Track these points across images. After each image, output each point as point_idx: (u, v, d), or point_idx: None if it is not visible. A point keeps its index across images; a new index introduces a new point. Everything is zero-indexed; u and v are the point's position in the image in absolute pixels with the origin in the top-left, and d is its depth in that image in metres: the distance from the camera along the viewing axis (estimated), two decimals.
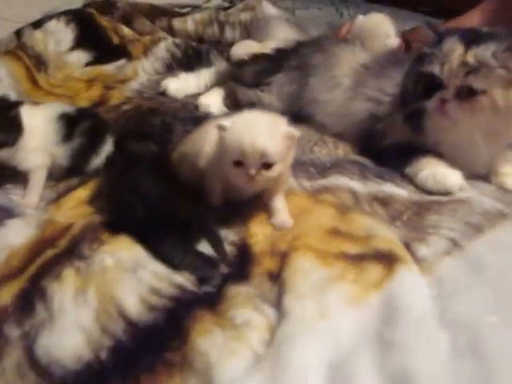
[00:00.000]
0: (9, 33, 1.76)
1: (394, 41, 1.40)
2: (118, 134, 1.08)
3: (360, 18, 1.49)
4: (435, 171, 0.95)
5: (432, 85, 0.96)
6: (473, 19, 1.61)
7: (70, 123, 1.05)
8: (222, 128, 0.82)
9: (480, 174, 1.00)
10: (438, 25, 1.68)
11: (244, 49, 1.58)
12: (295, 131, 0.83)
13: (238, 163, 0.80)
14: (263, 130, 0.80)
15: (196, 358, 0.63)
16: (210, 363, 0.61)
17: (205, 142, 0.91)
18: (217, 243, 0.82)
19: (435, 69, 0.95)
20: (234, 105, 1.33)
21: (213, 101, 1.34)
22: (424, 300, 0.67)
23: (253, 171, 0.79)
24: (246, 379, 0.59)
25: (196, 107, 1.34)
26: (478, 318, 0.64)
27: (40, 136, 1.02)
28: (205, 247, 0.82)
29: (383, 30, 1.44)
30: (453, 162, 0.98)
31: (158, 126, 1.17)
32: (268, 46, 1.55)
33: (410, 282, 0.69)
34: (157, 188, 0.84)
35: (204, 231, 0.83)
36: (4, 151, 0.98)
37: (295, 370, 0.59)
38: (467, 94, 0.93)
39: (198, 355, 0.63)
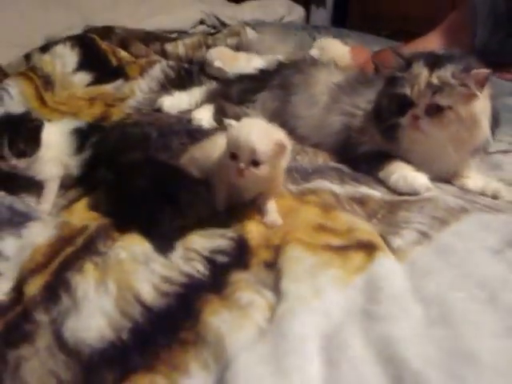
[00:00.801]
0: (16, 56, 1.79)
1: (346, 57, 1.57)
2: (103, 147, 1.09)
3: (317, 42, 1.64)
4: (405, 174, 1.02)
5: (404, 103, 1.03)
6: (431, 41, 1.69)
7: (81, 137, 1.09)
8: (229, 125, 0.92)
9: (443, 177, 1.07)
10: (399, 46, 1.77)
11: (218, 54, 1.66)
12: (286, 141, 0.89)
13: (234, 156, 0.88)
14: (258, 132, 0.89)
15: (208, 333, 0.67)
16: (221, 335, 0.66)
17: (213, 149, 0.97)
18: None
19: (406, 90, 1.03)
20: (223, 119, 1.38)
21: (204, 116, 1.39)
22: (401, 280, 0.73)
23: (243, 165, 0.87)
24: (253, 347, 0.64)
25: (189, 121, 1.39)
26: (447, 294, 0.70)
27: (55, 149, 1.06)
28: None
29: (334, 50, 1.61)
30: (420, 167, 1.04)
31: (138, 135, 1.20)
32: (242, 57, 1.63)
33: (388, 265, 0.75)
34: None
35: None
36: (22, 161, 1.01)
37: (295, 339, 0.64)
38: (435, 110, 1.00)
39: (209, 331, 0.67)
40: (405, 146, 1.08)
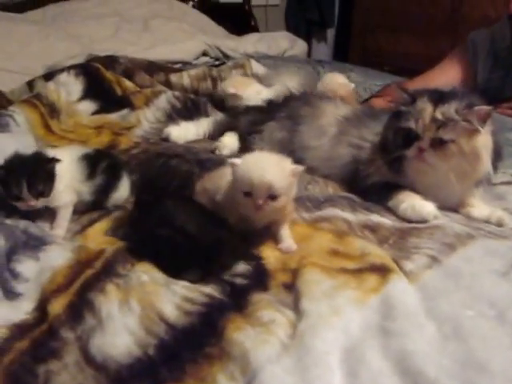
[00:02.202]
0: (18, 84, 1.89)
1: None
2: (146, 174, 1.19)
3: (325, 76, 1.76)
4: (413, 203, 1.12)
5: (410, 137, 1.14)
6: (434, 78, 1.81)
7: (91, 163, 1.16)
8: (233, 165, 0.99)
9: (449, 206, 1.17)
10: (403, 82, 1.90)
11: (232, 82, 1.77)
12: (299, 167, 0.99)
13: (247, 194, 0.96)
14: (271, 167, 0.97)
15: (233, 348, 0.75)
16: (246, 350, 0.74)
17: (222, 180, 1.05)
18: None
19: (412, 124, 1.14)
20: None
21: (227, 143, 1.50)
22: (414, 300, 0.82)
23: (260, 201, 0.95)
24: (278, 360, 0.72)
25: (213, 151, 1.50)
26: (458, 312, 0.80)
27: (67, 176, 1.13)
28: None
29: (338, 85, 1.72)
30: (427, 196, 1.15)
31: (181, 171, 1.29)
32: (254, 86, 1.74)
33: (401, 286, 0.85)
34: (192, 218, 0.96)
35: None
36: (41, 201, 1.08)
37: (317, 353, 0.73)
38: (439, 143, 1.11)
39: (234, 346, 0.75)
40: (411, 177, 1.18)
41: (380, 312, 0.80)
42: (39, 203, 1.08)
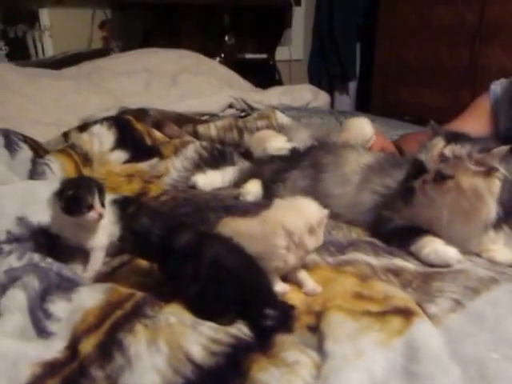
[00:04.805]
0: (54, 135, 1.96)
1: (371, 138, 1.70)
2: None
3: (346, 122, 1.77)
4: (435, 248, 1.12)
5: (420, 169, 1.17)
6: (457, 129, 1.81)
7: (120, 207, 1.20)
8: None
9: (472, 251, 1.17)
10: (423, 132, 1.91)
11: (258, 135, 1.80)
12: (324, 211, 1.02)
13: None
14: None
15: None
16: None
17: (262, 229, 1.03)
18: None
19: (422, 157, 1.17)
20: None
21: (251, 190, 1.52)
22: (438, 343, 0.82)
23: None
24: None
25: (236, 197, 1.52)
26: (483, 355, 0.79)
27: (106, 217, 1.16)
28: None
29: (361, 131, 1.73)
30: (445, 238, 1.15)
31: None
32: (279, 137, 1.77)
33: (426, 328, 0.85)
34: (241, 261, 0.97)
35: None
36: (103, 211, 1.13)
37: None
38: (441, 178, 1.13)
39: None
40: (416, 209, 1.20)
41: (404, 354, 0.80)
42: (104, 213, 1.13)
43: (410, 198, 1.20)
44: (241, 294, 0.92)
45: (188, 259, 0.96)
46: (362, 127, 1.75)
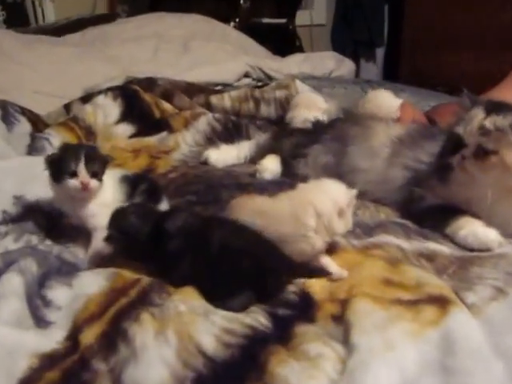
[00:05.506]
0: (55, 106, 1.95)
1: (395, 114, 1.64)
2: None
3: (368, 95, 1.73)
4: (474, 230, 1.08)
5: (458, 143, 1.12)
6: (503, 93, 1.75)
7: (130, 185, 1.18)
8: None
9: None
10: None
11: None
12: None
13: None
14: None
15: (276, 383, 0.73)
16: None
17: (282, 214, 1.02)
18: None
19: (460, 130, 1.12)
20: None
21: (270, 166, 1.49)
22: (478, 335, 0.79)
23: None
24: None
25: (252, 174, 1.49)
26: None
27: (109, 194, 1.14)
28: None
29: (385, 104, 1.68)
30: (486, 220, 1.11)
31: None
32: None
33: (463, 319, 0.81)
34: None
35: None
36: (93, 182, 1.09)
37: None
38: (483, 153, 1.09)
39: (278, 381, 0.74)
40: (453, 188, 1.16)
41: (439, 347, 0.77)
42: (92, 184, 1.09)
43: (447, 175, 1.16)
44: (254, 269, 0.91)
45: (182, 256, 0.96)
46: (384, 101, 1.71)
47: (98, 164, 1.10)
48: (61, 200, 1.14)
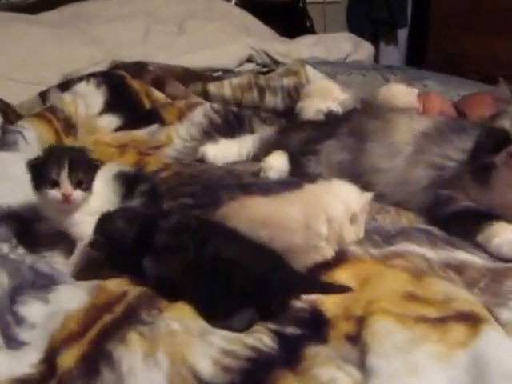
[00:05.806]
0: (28, 95, 1.95)
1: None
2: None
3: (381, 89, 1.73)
4: (510, 238, 1.09)
5: (502, 140, 1.12)
6: None
7: (127, 183, 1.16)
8: None
9: None
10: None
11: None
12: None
13: None
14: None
15: None
16: None
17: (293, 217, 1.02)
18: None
19: (506, 124, 1.13)
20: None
21: (276, 164, 1.49)
22: None
23: None
24: None
25: (256, 173, 1.49)
26: None
27: (99, 198, 1.13)
28: None
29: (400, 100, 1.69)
30: None
31: None
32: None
33: (497, 339, 0.82)
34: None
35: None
36: (77, 193, 1.07)
37: None
38: None
39: None
40: (497, 191, 1.16)
41: (469, 372, 0.77)
42: (76, 195, 1.07)
43: (486, 175, 1.16)
44: (252, 284, 0.91)
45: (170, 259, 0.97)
46: (396, 97, 1.71)
47: (84, 171, 1.08)
48: (44, 206, 1.13)
